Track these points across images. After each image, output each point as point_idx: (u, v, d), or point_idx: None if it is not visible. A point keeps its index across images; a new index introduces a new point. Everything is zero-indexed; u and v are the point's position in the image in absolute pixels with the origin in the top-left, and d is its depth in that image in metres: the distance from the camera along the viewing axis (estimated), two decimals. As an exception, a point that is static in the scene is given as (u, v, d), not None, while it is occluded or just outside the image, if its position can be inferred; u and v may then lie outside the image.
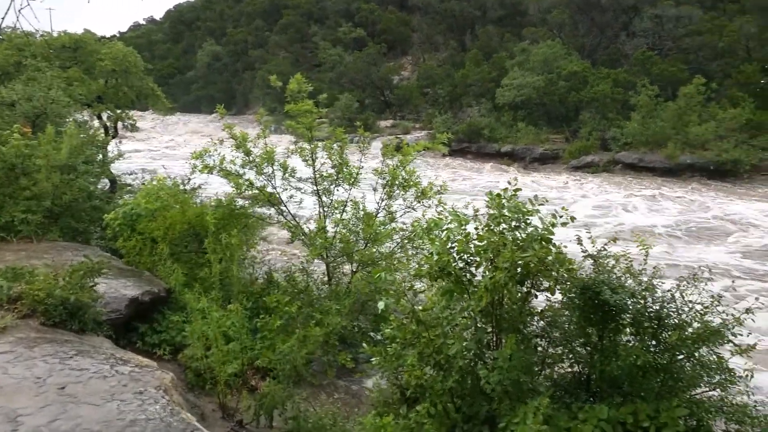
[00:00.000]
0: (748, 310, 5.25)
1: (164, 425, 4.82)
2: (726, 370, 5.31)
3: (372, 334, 9.08)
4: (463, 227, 6.09)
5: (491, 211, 6.06)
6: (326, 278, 10.19)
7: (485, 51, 50.92)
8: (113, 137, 19.43)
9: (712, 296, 5.40)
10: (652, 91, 32.94)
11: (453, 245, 5.92)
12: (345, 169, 10.40)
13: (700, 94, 31.13)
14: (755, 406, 5.18)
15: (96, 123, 19.00)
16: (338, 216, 10.30)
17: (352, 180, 10.38)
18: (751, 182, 26.82)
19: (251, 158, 10.27)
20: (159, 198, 9.78)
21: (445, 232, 6.06)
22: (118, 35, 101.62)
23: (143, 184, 12.53)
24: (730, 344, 5.27)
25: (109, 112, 19.89)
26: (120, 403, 5.03)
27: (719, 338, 5.24)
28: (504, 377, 5.36)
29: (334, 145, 10.50)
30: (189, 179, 11.64)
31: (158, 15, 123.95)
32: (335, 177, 10.48)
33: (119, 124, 20.68)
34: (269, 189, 10.38)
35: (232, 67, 78.29)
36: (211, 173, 10.16)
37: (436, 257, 5.96)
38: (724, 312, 5.27)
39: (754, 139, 28.10)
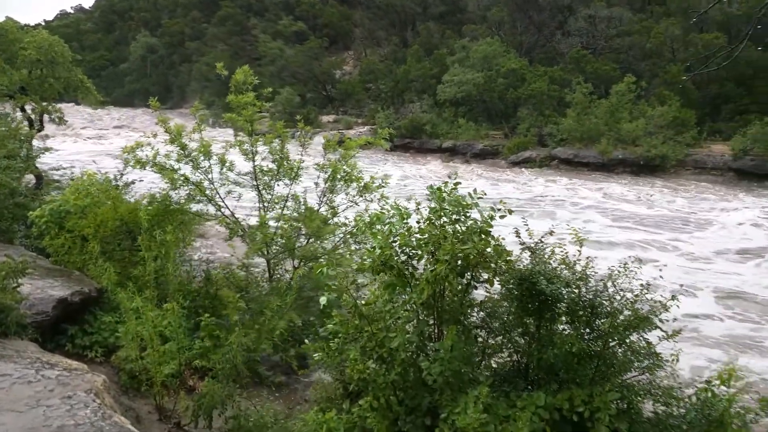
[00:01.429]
0: (673, 297, 5.50)
1: (95, 430, 4.61)
2: (654, 355, 5.55)
3: (319, 330, 9.01)
4: (404, 221, 6.12)
5: (432, 205, 6.12)
6: (267, 275, 10.02)
7: (426, 47, 51.41)
8: (38, 131, 18.41)
9: (642, 285, 5.62)
10: (586, 88, 34.13)
11: (395, 239, 5.94)
12: (286, 164, 10.24)
13: (630, 92, 32.50)
14: (680, 387, 5.45)
15: (19, 115, 17.96)
16: (279, 211, 10.14)
17: (293, 175, 10.24)
18: (677, 176, 28.25)
19: (187, 152, 9.96)
20: (89, 194, 9.34)
21: (387, 226, 6.07)
22: (43, 24, 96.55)
23: (72, 179, 11.94)
24: (658, 330, 5.51)
25: (33, 104, 18.83)
26: (46, 409, 4.78)
27: (648, 324, 5.46)
28: (445, 368, 5.42)
29: (275, 139, 10.32)
30: (121, 174, 11.16)
31: (87, 3, 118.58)
32: (276, 172, 10.30)
33: (45, 117, 19.62)
34: (206, 184, 10.11)
35: (168, 59, 75.81)
36: (144, 168, 9.79)
37: (378, 251, 5.95)
38: (652, 299, 5.51)
39: (680, 136, 29.59)
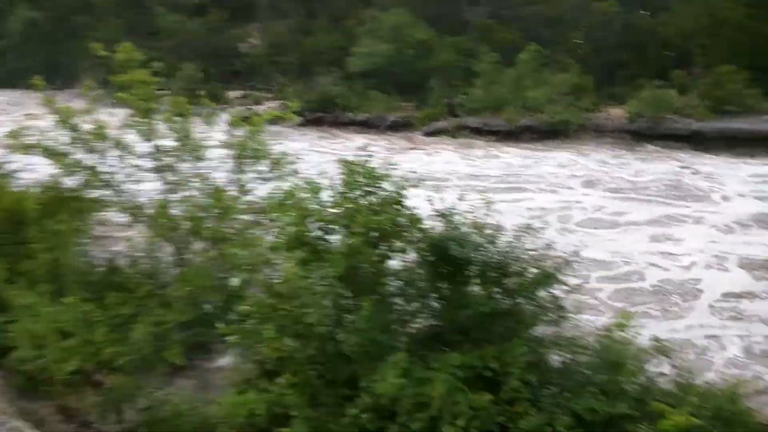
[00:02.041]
0: (575, 253, 5.79)
1: (-12, 438, 4.26)
2: (560, 308, 5.84)
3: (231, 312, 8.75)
4: (317, 196, 6.05)
5: (345, 178, 6.07)
6: (175, 260, 9.59)
7: (334, 18, 50.52)
8: None
9: (546, 243, 5.87)
10: (493, 58, 34.88)
11: (309, 215, 5.86)
12: (189, 143, 9.76)
13: (534, 61, 33.54)
14: (582, 337, 5.76)
15: None
16: (185, 193, 9.68)
17: (198, 154, 9.80)
18: (579, 140, 29.63)
19: (79, 135, 9.27)
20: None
21: (300, 202, 5.98)
22: None
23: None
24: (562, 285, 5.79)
25: None
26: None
27: (553, 281, 5.72)
28: (363, 338, 5.44)
29: (176, 117, 9.80)
30: (3, 162, 10.25)
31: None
32: (178, 151, 9.80)
33: None
34: (103, 168, 9.47)
35: (53, 35, 69.91)
36: (30, 154, 9.03)
37: (291, 228, 5.85)
38: (556, 257, 5.76)
39: (580, 101, 30.97)
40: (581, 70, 32.72)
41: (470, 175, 23.35)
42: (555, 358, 5.80)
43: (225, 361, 7.50)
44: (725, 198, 17.77)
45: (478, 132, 32.64)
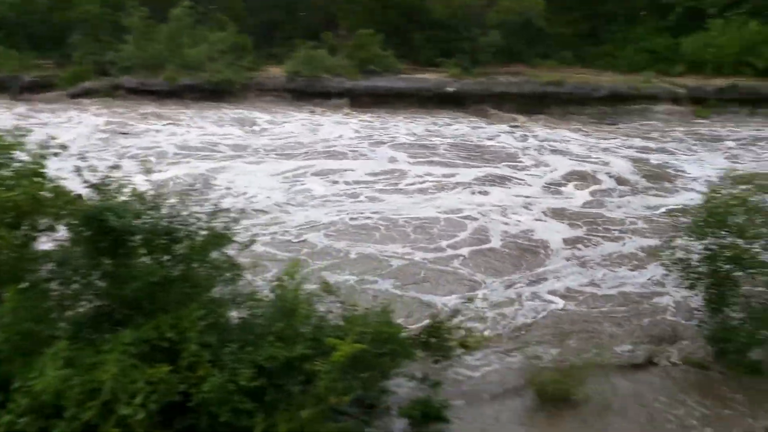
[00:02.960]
0: (243, 211, 5.96)
1: None
2: (234, 267, 5.96)
3: None
4: None
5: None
6: None
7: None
8: None
9: (214, 204, 5.88)
10: (143, 12, 32.39)
11: None
12: None
13: (188, 17, 32.33)
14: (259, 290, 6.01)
15: None
16: None
17: None
18: (244, 99, 30.05)
19: None
20: None
21: None
22: None
23: None
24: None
25: None
26: None
27: (226, 241, 5.79)
28: (10, 334, 4.71)
29: None
30: None
31: None
32: None
33: None
34: None
35: None
36: None
37: None
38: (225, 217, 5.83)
39: (241, 61, 31.25)
40: (239, 29, 32.91)
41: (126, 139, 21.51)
42: (235, 316, 5.94)
43: None
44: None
45: (135, 92, 30.33)
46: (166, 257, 5.51)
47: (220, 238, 5.75)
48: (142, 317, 5.19)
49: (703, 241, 6.95)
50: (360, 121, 24.87)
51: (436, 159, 18.35)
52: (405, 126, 23.80)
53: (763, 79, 27.21)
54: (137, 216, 5.16)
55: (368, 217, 13.00)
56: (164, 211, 5.54)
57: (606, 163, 18.12)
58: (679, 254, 7.21)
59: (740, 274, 6.76)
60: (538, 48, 32.55)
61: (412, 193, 14.98)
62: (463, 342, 7.29)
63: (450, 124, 24.35)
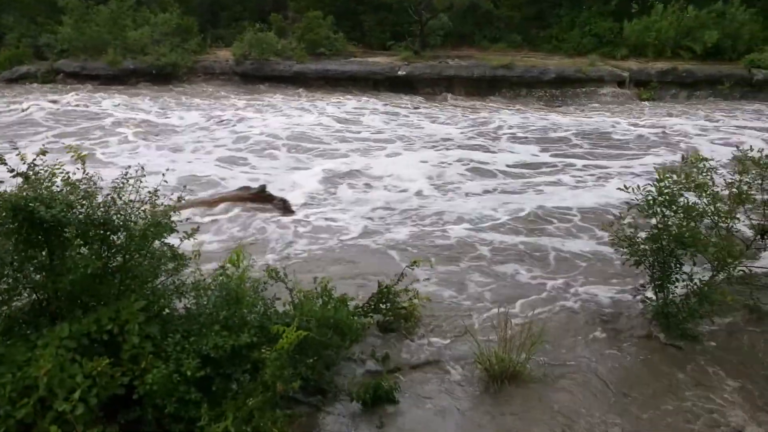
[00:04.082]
0: (179, 198, 5.81)
1: None
2: (178, 257, 5.81)
3: None
4: None
5: None
6: None
7: None
8: None
9: (150, 192, 5.70)
10: (79, -7, 31.03)
11: None
12: None
13: (128, -1, 31.18)
14: (205, 278, 5.87)
15: None
16: None
17: None
18: (190, 83, 29.24)
19: None
20: None
21: None
22: None
23: None
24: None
25: None
26: None
27: (165, 229, 5.62)
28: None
29: None
30: None
31: None
32: None
33: None
34: None
35: None
36: None
37: None
38: (163, 204, 5.66)
39: (186, 43, 30.35)
40: (184, 11, 31.93)
41: (64, 123, 20.63)
42: (179, 305, 5.81)
43: None
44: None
45: (75, 76, 29.13)
46: (103, 248, 5.33)
47: (158, 227, 5.57)
48: (80, 310, 5.03)
49: (652, 220, 7.14)
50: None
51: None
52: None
53: (701, 62, 28.28)
54: (69, 205, 4.95)
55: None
56: (99, 199, 5.33)
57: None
58: (628, 232, 7.37)
59: (682, 252, 7.00)
60: (487, 31, 32.84)
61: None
62: (411, 305, 7.30)
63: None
